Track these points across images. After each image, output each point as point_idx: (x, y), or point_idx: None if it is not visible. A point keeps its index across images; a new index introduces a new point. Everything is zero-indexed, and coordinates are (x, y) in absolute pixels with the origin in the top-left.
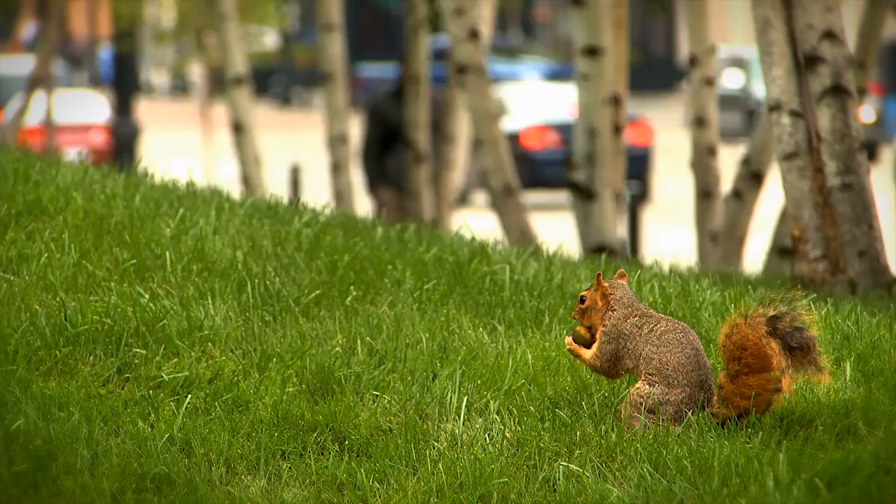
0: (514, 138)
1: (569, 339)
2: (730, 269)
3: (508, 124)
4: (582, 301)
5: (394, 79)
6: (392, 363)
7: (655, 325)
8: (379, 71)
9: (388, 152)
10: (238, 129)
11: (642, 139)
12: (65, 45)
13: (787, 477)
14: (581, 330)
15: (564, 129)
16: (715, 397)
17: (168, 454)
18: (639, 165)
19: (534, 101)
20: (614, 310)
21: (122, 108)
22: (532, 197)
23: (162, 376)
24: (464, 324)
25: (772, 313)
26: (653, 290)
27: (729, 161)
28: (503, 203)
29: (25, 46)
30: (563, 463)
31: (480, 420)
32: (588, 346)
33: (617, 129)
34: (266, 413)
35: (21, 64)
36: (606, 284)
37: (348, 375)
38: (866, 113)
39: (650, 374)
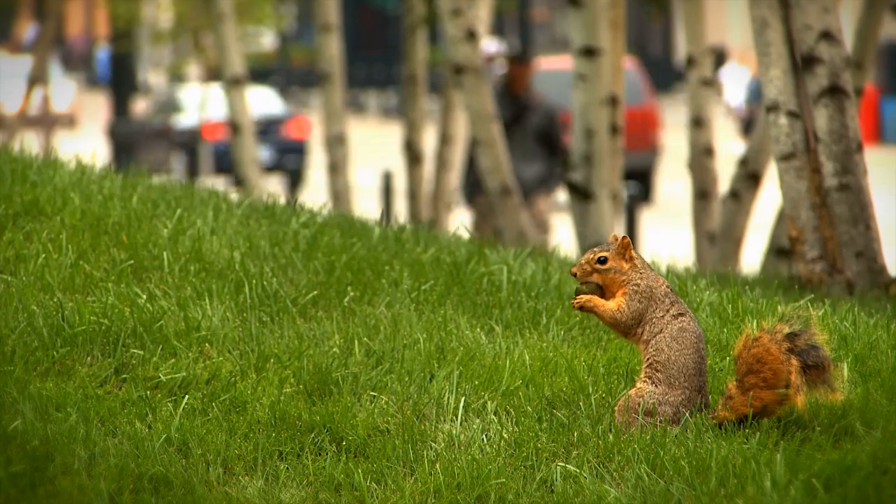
0: (195, 132)
1: (585, 296)
2: (727, 269)
3: (187, 120)
4: (603, 262)
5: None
6: (389, 364)
7: (679, 314)
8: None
9: None
10: (235, 129)
11: (300, 134)
12: (62, 46)
13: (785, 477)
14: (583, 289)
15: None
16: (720, 404)
17: (165, 455)
18: (298, 156)
19: (214, 99)
20: (642, 272)
21: (120, 108)
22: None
23: (159, 377)
24: (461, 324)
25: (788, 330)
26: None
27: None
28: (500, 203)
29: (26, 47)
30: (560, 463)
31: (478, 420)
32: None
33: (614, 130)
34: (263, 414)
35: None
36: (632, 250)
37: (346, 376)
38: None
39: (655, 369)
